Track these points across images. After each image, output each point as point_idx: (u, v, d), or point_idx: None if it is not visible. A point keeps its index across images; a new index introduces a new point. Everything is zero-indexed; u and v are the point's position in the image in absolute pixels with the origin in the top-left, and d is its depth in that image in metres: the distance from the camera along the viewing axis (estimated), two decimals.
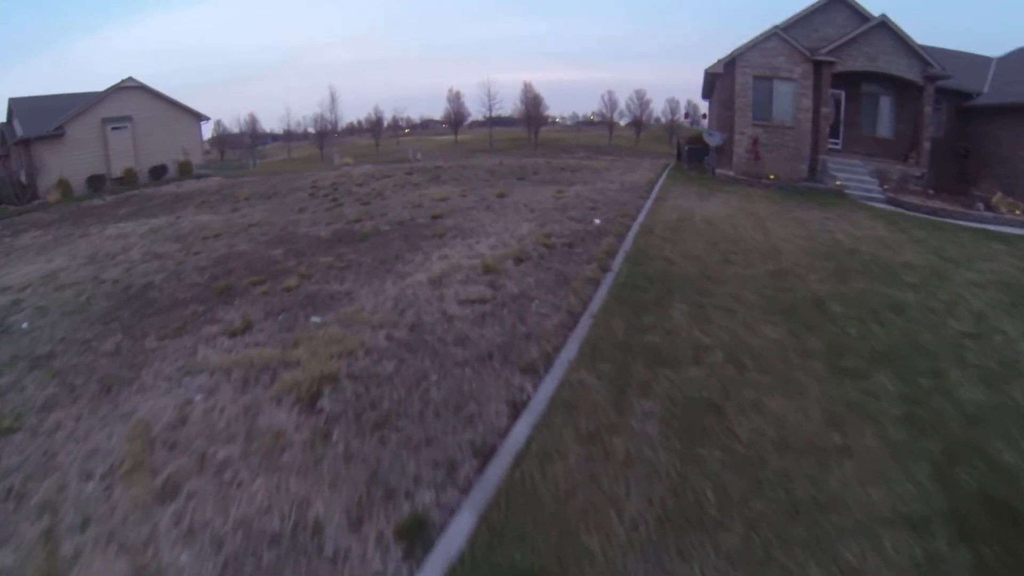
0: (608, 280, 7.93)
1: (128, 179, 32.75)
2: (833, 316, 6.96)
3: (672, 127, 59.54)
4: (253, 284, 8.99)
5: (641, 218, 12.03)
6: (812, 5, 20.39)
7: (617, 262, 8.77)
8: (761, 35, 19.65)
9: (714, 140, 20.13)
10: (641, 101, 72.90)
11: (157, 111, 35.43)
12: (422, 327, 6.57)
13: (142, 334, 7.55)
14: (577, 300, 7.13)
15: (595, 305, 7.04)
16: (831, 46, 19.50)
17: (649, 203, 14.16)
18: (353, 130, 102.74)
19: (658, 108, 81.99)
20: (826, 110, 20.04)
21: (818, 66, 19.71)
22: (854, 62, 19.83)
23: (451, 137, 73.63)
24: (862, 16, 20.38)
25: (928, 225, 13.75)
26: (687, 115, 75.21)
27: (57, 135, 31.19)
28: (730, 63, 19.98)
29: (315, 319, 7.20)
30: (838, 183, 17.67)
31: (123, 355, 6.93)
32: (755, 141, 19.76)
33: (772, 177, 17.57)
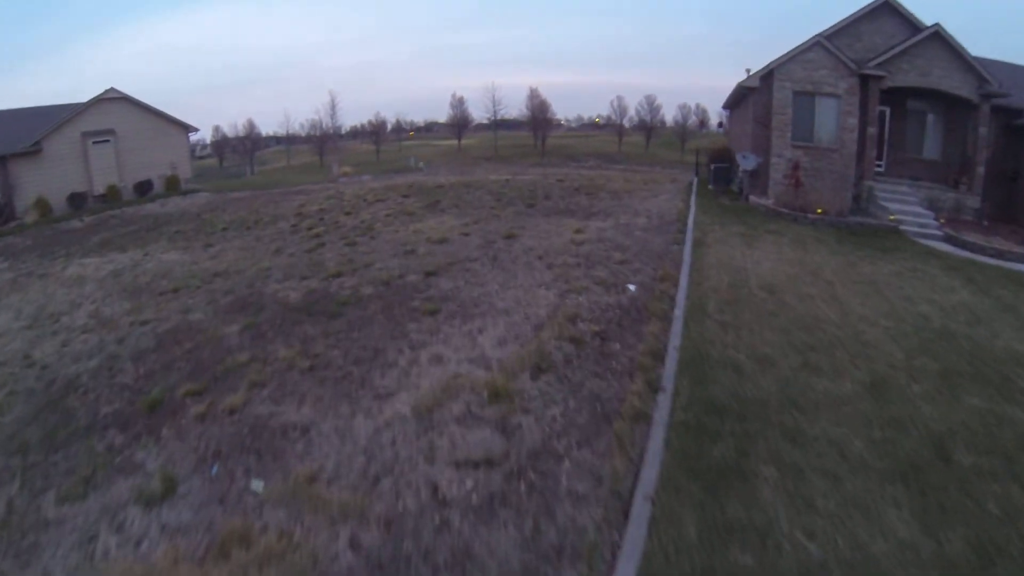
0: (663, 413, 5.80)
1: (111, 196, 30.75)
2: (964, 478, 4.91)
3: (684, 133, 57.14)
4: (191, 395, 6.93)
5: (684, 281, 9.86)
6: (858, 11, 18.20)
7: (669, 372, 6.64)
8: (802, 45, 17.46)
9: (748, 164, 17.97)
10: (651, 107, 70.49)
11: (142, 123, 33.49)
12: (402, 523, 4.48)
13: (44, 484, 5.61)
14: (624, 462, 5.03)
15: (650, 473, 4.92)
16: (880, 58, 17.30)
17: (688, 251, 12.00)
18: (357, 133, 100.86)
19: (668, 112, 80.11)
20: (873, 130, 17.86)
21: (865, 80, 17.52)
22: (904, 77, 17.63)
23: (455, 142, 71.24)
24: (913, 25, 18.18)
25: (1006, 278, 11.61)
26: (701, 123, 72.97)
27: (35, 151, 29.14)
28: (767, 76, 17.81)
29: (256, 485, 5.14)
30: (892, 217, 15.49)
31: (12, 527, 4.99)
32: (796, 166, 17.59)
33: (820, 211, 15.38)
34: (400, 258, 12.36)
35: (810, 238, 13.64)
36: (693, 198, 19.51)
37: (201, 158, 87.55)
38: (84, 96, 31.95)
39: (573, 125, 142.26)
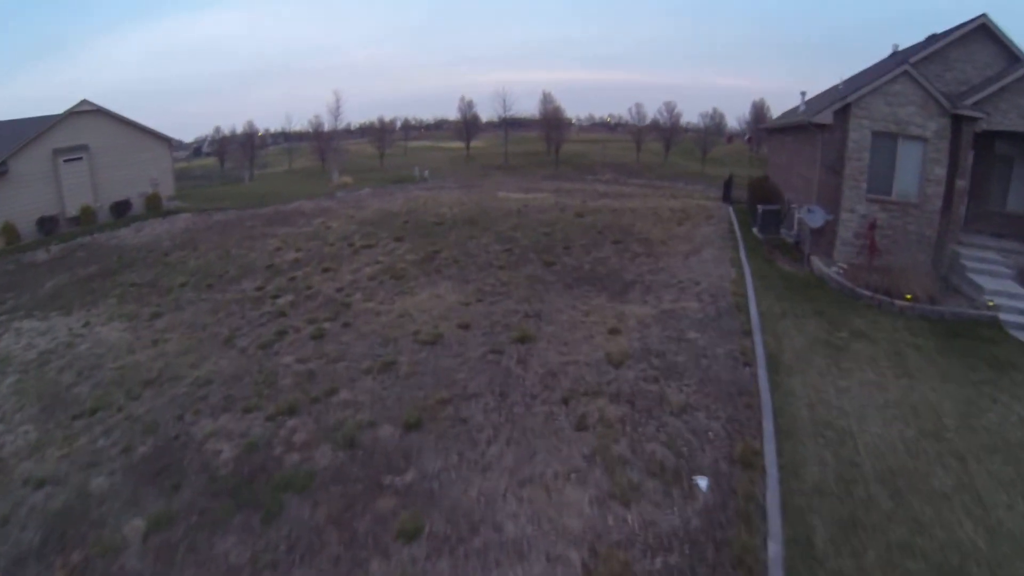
0: None
1: (85, 219, 28.06)
2: None
3: (705, 143, 53.43)
4: None
5: (774, 469, 6.77)
6: (948, 36, 15.02)
7: None
8: (889, 76, 14.23)
9: (815, 221, 14.81)
10: (671, 114, 66.46)
11: (118, 137, 30.71)
12: None
13: None
14: None
15: None
16: (977, 96, 14.08)
17: (764, 380, 8.87)
18: (365, 130, 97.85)
19: (686, 115, 76.35)
20: (963, 183, 14.68)
21: (957, 121, 14.33)
22: (1003, 118, 14.37)
23: (463, 147, 67.62)
24: (1012, 55, 15.00)
25: None
26: (729, 139, 69.26)
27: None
28: (842, 111, 14.61)
29: None
30: (990, 304, 12.30)
31: None
32: (872, 225, 14.47)
33: (909, 298, 12.21)
34: (375, 377, 9.38)
35: (907, 346, 10.49)
36: (743, 253, 16.39)
37: (208, 155, 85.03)
38: (57, 107, 29.36)
39: (584, 124, 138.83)
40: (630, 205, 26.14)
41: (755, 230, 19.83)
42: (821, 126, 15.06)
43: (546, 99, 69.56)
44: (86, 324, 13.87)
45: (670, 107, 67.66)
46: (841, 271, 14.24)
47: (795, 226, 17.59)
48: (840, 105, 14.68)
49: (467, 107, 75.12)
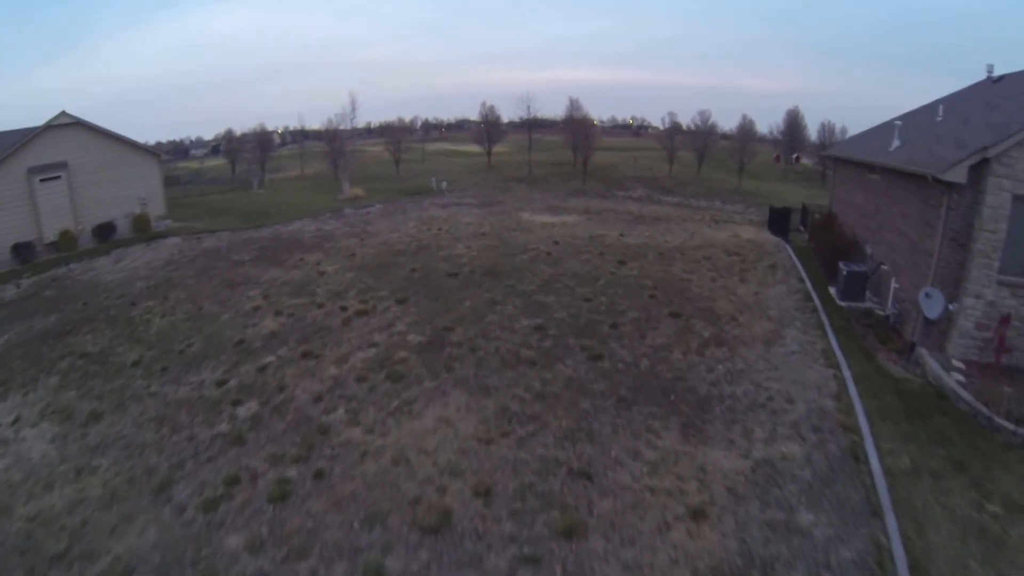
0: None
1: (65, 244, 25.37)
2: None
3: (742, 155, 49.16)
4: None
5: None
6: None
7: None
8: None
9: (934, 310, 11.29)
10: (705, 124, 61.75)
11: (101, 153, 27.90)
12: None
13: None
14: None
15: None
16: None
17: None
18: (384, 130, 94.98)
19: (719, 119, 72.26)
20: None
21: None
22: None
23: (483, 151, 63.67)
24: None
25: None
26: (777, 158, 64.88)
27: None
28: (978, 167, 11.05)
29: None
30: None
31: None
32: (1005, 320, 11.00)
33: None
34: None
35: None
36: (833, 340, 12.93)
37: (222, 152, 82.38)
38: (36, 119, 26.54)
39: (607, 126, 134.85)
40: (675, 242, 22.67)
41: (834, 292, 16.32)
42: (948, 184, 11.48)
43: (573, 105, 65.65)
44: (15, 421, 11.01)
45: (704, 116, 63.40)
46: (964, 378, 10.74)
47: (891, 299, 14.07)
48: (976, 159, 11.09)
49: (488, 111, 71.36)
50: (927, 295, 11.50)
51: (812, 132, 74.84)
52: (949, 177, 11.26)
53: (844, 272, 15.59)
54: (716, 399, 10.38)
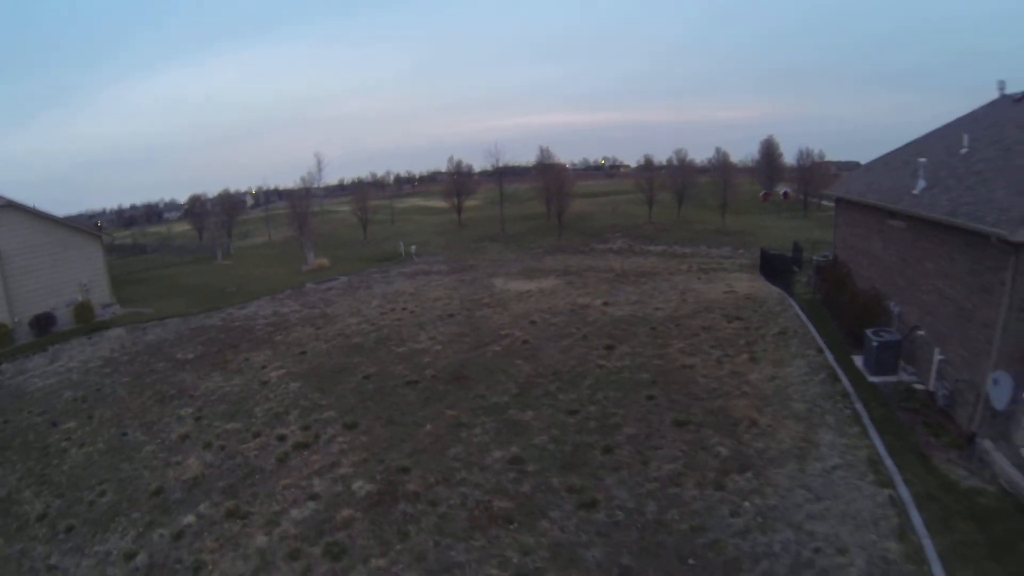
0: None
1: None
2: None
3: (724, 192, 47.58)
4: None
5: None
6: None
7: None
8: None
9: (1002, 400, 9.08)
10: (683, 164, 60.47)
11: (38, 237, 25.60)
12: None
13: None
14: None
15: None
16: None
17: None
18: (355, 187, 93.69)
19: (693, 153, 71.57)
20: None
21: None
22: None
23: (454, 208, 61.29)
24: None
25: None
26: (764, 197, 63.72)
27: None
28: None
29: None
30: None
31: None
32: None
33: None
34: None
35: None
36: (878, 443, 10.62)
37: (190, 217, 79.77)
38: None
39: (579, 168, 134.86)
40: (667, 308, 20.47)
41: (860, 365, 14.14)
42: (1016, 245, 9.32)
43: (544, 154, 64.38)
44: None
45: (680, 154, 62.30)
46: None
47: (935, 373, 11.90)
48: None
49: (456, 166, 69.86)
50: (995, 381, 9.28)
51: (789, 157, 74.63)
52: (1021, 237, 9.11)
53: (875, 343, 13.35)
54: (748, 559, 7.91)
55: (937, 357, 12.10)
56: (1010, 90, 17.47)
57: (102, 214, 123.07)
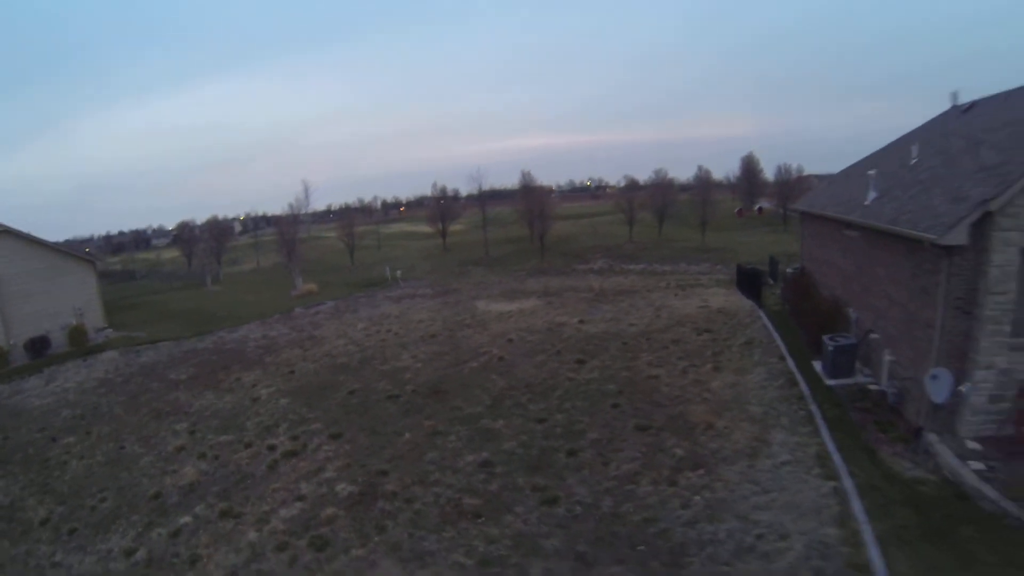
0: None
1: None
2: None
3: (704, 211, 49.07)
4: None
5: None
6: None
7: None
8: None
9: (940, 394, 10.14)
10: (663, 183, 62.38)
11: (33, 262, 26.53)
12: None
13: None
14: None
15: None
16: None
17: None
18: (343, 212, 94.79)
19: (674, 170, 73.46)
20: None
21: None
22: None
23: (439, 233, 62.47)
24: None
25: None
26: (740, 213, 65.48)
27: None
28: (979, 223, 10.04)
29: None
30: None
31: None
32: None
33: None
34: None
35: None
36: (827, 438, 11.58)
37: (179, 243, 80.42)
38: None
39: (565, 190, 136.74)
40: (640, 324, 21.51)
41: (819, 369, 15.13)
42: (947, 248, 10.43)
43: (526, 177, 65.93)
44: None
45: (660, 173, 64.05)
46: (984, 465, 9.52)
47: (885, 373, 12.94)
48: (976, 215, 10.05)
49: (441, 191, 71.31)
50: (933, 377, 10.34)
51: (769, 173, 76.44)
52: (950, 241, 10.10)
53: (831, 348, 14.35)
54: (694, 545, 8.84)
55: (887, 358, 13.05)
56: (965, 99, 18.24)
57: (90, 240, 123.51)
